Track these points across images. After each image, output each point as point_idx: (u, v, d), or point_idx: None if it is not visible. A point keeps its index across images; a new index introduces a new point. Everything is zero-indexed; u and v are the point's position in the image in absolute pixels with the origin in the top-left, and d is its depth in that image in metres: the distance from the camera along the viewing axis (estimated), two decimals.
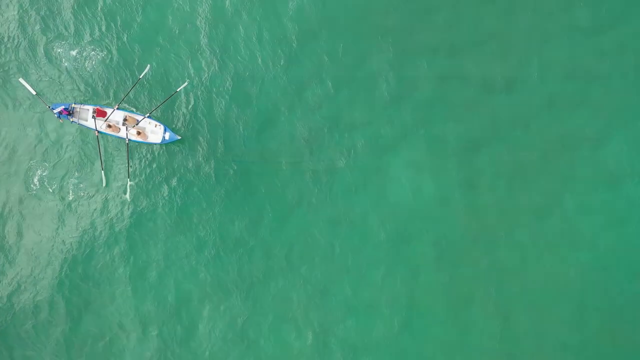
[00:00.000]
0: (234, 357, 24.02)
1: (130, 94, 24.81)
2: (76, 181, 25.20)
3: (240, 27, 25.62)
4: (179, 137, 24.47)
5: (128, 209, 24.89)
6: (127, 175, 24.58)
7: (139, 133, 24.38)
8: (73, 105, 24.55)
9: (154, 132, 24.39)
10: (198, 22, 25.63)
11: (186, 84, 24.43)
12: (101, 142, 24.70)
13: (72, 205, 25.10)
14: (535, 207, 24.21)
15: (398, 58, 25.14)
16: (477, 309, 23.87)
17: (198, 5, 25.71)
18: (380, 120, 25.02)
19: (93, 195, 25.09)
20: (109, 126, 24.43)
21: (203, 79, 25.34)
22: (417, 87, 25.04)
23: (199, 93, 25.23)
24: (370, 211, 24.61)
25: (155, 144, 24.57)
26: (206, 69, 25.39)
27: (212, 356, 24.02)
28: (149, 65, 24.34)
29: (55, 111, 24.35)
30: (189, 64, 25.42)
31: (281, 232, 24.60)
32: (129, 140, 24.32)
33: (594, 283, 23.68)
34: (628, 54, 24.71)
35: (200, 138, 24.99)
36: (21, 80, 24.27)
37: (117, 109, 24.37)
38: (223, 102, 25.20)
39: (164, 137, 24.32)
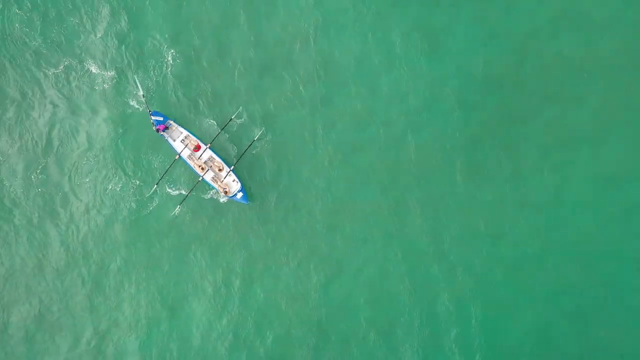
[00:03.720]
0: None
1: (221, 137, 25.41)
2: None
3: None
4: (247, 203, 24.96)
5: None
6: (179, 203, 24.83)
7: (215, 180, 24.98)
8: (170, 121, 25.25)
9: (230, 185, 24.89)
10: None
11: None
12: (174, 165, 25.18)
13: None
14: None
15: None
16: None
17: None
18: None
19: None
20: (199, 162, 25.02)
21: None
22: None
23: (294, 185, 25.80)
24: None
25: (225, 195, 25.00)
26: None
27: None
28: (241, 107, 25.27)
29: (153, 118, 25.02)
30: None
31: None
32: (203, 179, 24.96)
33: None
34: None
35: (266, 213, 25.64)
36: (136, 77, 25.01)
37: (209, 148, 25.06)
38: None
39: (235, 194, 24.85)
